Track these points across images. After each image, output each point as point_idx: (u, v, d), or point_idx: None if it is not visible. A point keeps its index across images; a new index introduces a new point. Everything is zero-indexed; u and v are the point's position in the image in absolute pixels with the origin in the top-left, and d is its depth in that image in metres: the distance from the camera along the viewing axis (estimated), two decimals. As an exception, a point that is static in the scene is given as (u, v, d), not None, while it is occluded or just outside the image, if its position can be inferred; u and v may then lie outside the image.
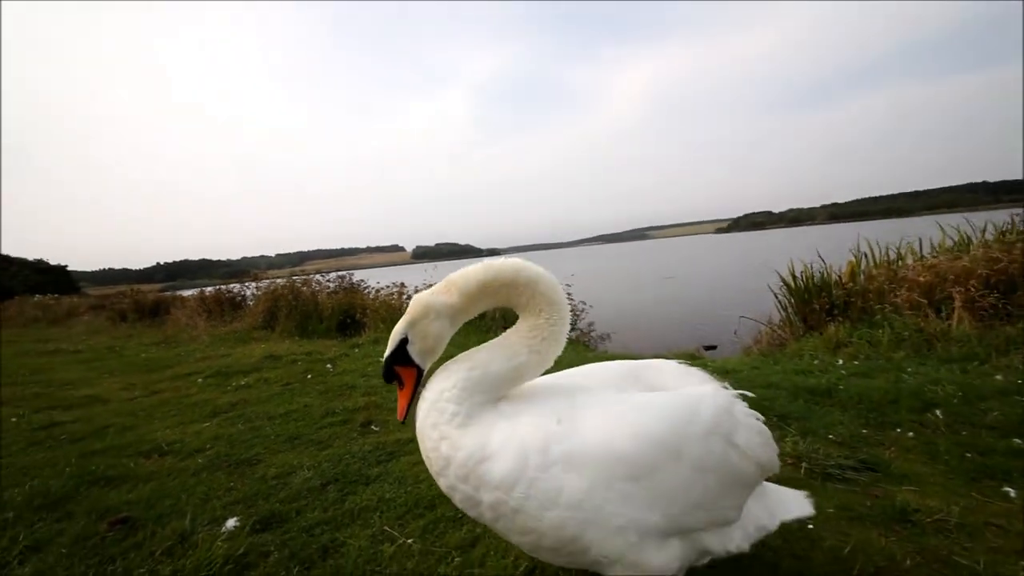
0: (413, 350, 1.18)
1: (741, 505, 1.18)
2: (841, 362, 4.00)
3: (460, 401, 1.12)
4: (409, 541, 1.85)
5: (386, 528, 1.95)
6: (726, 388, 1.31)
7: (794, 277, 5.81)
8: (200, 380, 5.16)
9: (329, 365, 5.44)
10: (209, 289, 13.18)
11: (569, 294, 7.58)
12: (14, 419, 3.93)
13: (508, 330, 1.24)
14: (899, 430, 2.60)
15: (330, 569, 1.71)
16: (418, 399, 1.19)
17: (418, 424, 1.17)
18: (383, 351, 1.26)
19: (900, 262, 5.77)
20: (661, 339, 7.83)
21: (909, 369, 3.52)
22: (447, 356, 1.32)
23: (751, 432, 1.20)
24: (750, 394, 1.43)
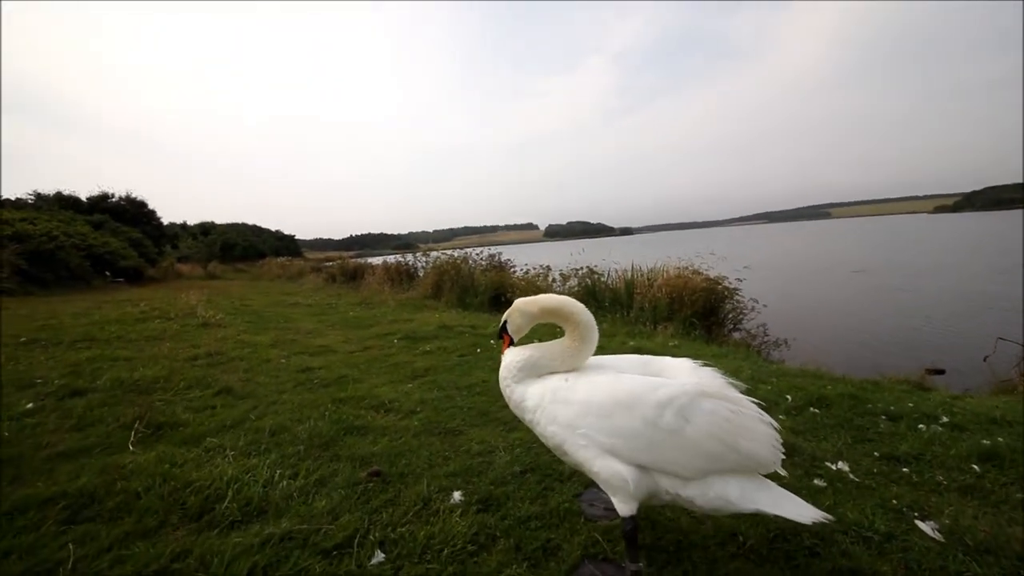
0: (510, 328, 1.86)
1: (700, 469, 1.48)
2: None
3: (519, 369, 1.75)
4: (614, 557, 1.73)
5: (596, 536, 1.88)
6: (732, 385, 1.65)
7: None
8: (396, 341, 5.84)
9: (492, 341, 5.71)
10: (391, 259, 15.10)
11: (737, 288, 6.85)
12: (283, 360, 4.95)
13: (559, 339, 1.80)
14: None
15: (554, 571, 1.69)
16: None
17: (500, 374, 1.83)
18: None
19: None
20: (860, 353, 6.31)
21: None
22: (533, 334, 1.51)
23: (715, 418, 1.48)
24: (738, 381, 1.70)
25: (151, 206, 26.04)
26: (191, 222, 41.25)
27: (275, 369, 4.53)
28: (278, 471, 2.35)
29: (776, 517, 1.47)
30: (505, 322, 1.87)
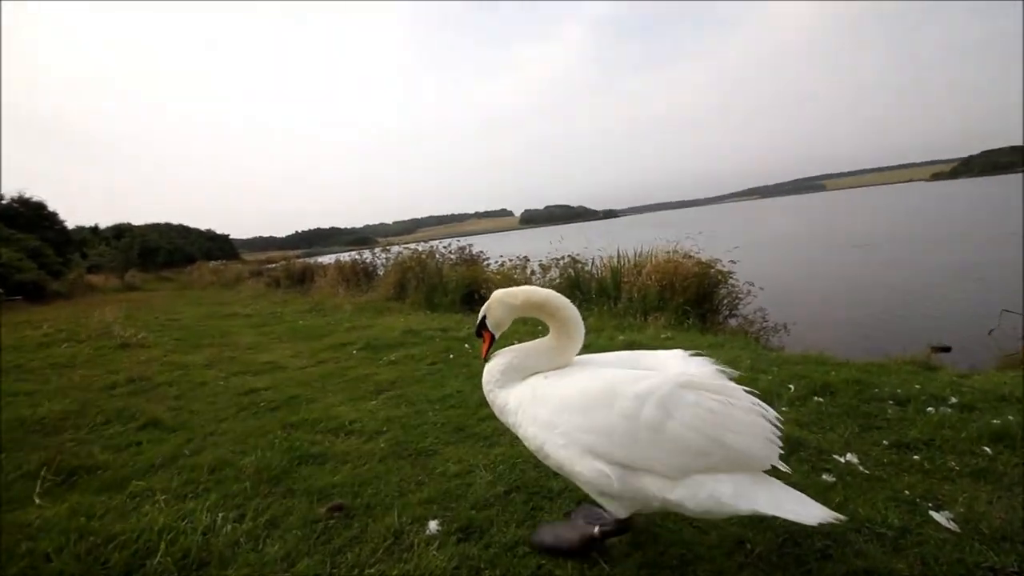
0: (489, 323, 1.94)
1: (685, 467, 1.52)
2: None
3: (502, 372, 1.86)
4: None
5: (595, 556, 1.88)
6: (723, 373, 1.72)
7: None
8: (355, 352, 5.73)
9: (467, 345, 5.68)
10: (345, 257, 14.79)
11: (731, 272, 7.03)
12: (221, 382, 4.77)
13: (543, 337, 1.91)
14: None
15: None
16: (492, 350, 1.96)
17: (483, 379, 1.92)
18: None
19: None
20: (863, 334, 6.53)
21: None
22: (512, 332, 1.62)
23: (698, 410, 1.52)
24: (732, 370, 1.75)
25: (51, 207, 24.53)
26: (104, 224, 38.99)
27: (212, 393, 4.38)
28: (220, 514, 2.25)
29: (778, 519, 1.49)
30: (484, 317, 1.93)
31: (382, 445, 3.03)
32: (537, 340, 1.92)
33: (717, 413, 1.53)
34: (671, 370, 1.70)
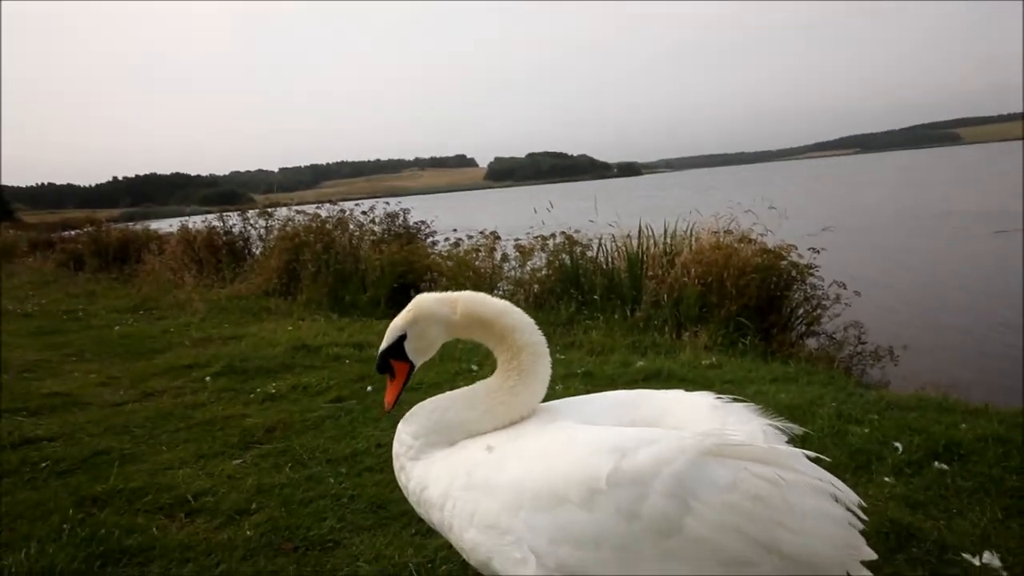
0: (409, 347, 1.94)
1: None
2: None
3: (416, 436, 1.86)
4: None
5: None
6: (778, 430, 1.79)
7: None
8: (208, 380, 5.67)
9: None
10: (197, 223, 14.42)
11: (812, 265, 7.14)
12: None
13: (481, 381, 1.98)
14: None
15: None
16: (403, 392, 1.99)
17: (393, 445, 1.96)
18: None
19: None
20: (1010, 367, 6.56)
21: None
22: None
23: (736, 496, 1.49)
24: (793, 425, 1.83)
25: None
26: None
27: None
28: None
29: None
30: (399, 336, 1.95)
31: (248, 533, 2.98)
32: (476, 384, 1.96)
33: (765, 500, 1.51)
34: (690, 427, 1.70)
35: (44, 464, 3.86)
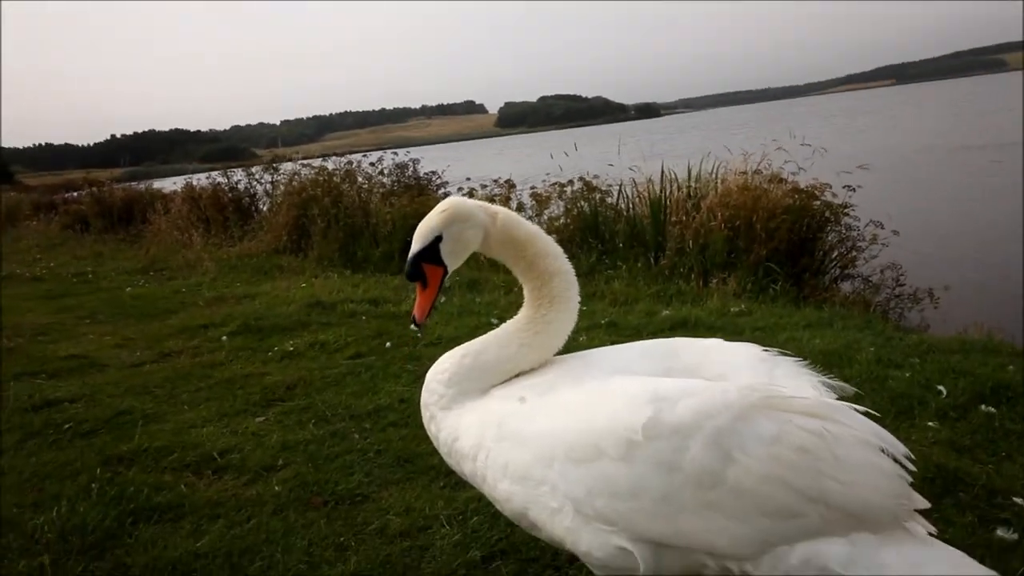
0: (445, 249, 1.83)
1: (760, 539, 1.51)
2: None
3: (449, 384, 1.83)
4: None
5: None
6: (825, 386, 1.76)
7: None
8: (224, 339, 5.74)
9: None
10: (202, 180, 14.43)
11: (847, 205, 7.03)
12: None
13: (509, 320, 1.96)
14: None
15: None
16: (437, 302, 2.02)
17: (421, 393, 1.93)
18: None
19: None
20: None
21: None
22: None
23: (781, 448, 1.49)
24: (839, 382, 1.80)
25: None
26: None
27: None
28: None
29: None
30: (436, 239, 1.82)
31: (277, 488, 3.04)
32: (503, 325, 1.95)
33: (811, 452, 1.51)
34: (732, 378, 1.71)
35: (67, 425, 3.95)
